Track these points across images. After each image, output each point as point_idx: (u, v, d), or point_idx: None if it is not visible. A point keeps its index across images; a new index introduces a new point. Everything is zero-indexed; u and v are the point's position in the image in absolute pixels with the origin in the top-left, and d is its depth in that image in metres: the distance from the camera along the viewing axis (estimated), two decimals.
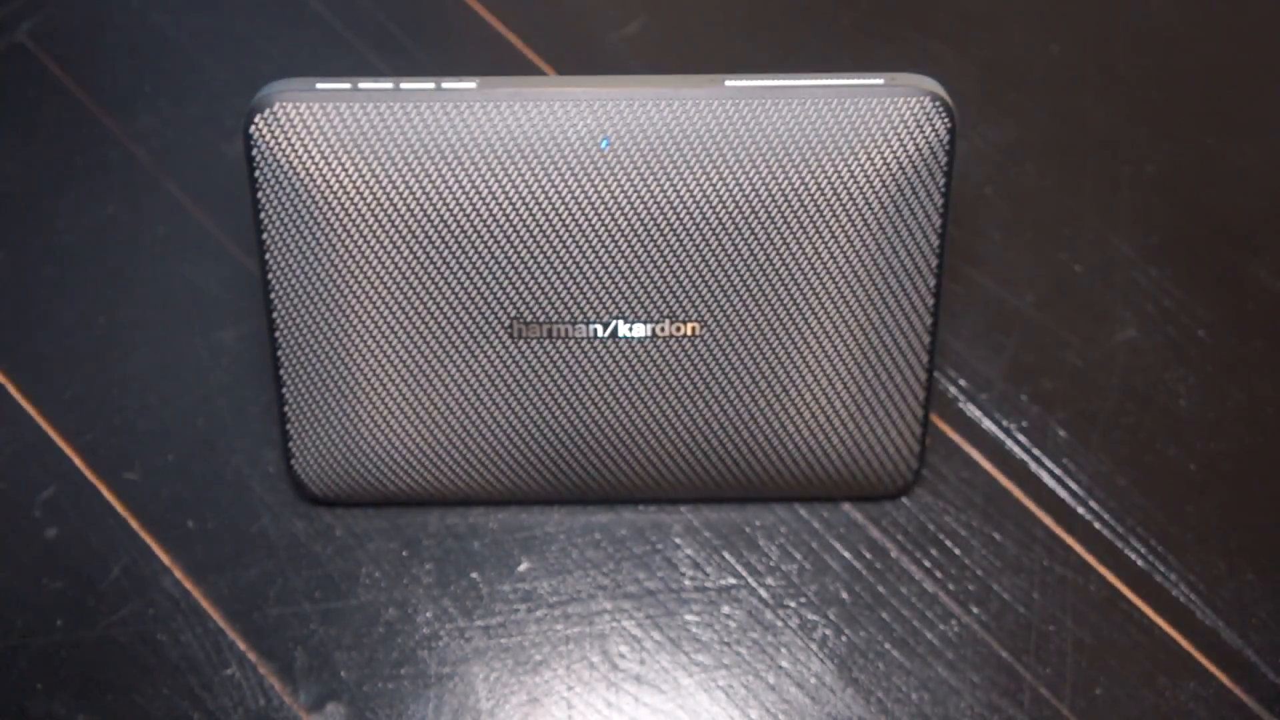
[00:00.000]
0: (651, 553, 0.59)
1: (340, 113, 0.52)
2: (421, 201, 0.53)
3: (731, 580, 0.59)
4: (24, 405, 0.62)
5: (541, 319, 0.55)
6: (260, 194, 0.53)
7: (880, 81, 0.53)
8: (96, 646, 0.57)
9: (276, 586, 0.58)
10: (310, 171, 0.53)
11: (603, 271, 0.54)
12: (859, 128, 0.53)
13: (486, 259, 0.54)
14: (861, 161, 0.53)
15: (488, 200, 0.53)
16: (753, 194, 0.53)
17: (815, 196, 0.53)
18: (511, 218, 0.53)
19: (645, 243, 0.54)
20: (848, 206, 0.53)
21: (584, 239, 0.54)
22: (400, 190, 0.53)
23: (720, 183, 0.53)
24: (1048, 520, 0.60)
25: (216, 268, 0.65)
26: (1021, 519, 0.60)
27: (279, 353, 0.56)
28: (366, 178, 0.53)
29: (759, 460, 0.57)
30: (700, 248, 0.54)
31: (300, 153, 0.53)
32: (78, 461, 0.61)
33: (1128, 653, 0.58)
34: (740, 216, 0.53)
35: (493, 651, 0.57)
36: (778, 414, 0.56)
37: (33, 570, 0.59)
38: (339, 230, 0.54)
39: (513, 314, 0.55)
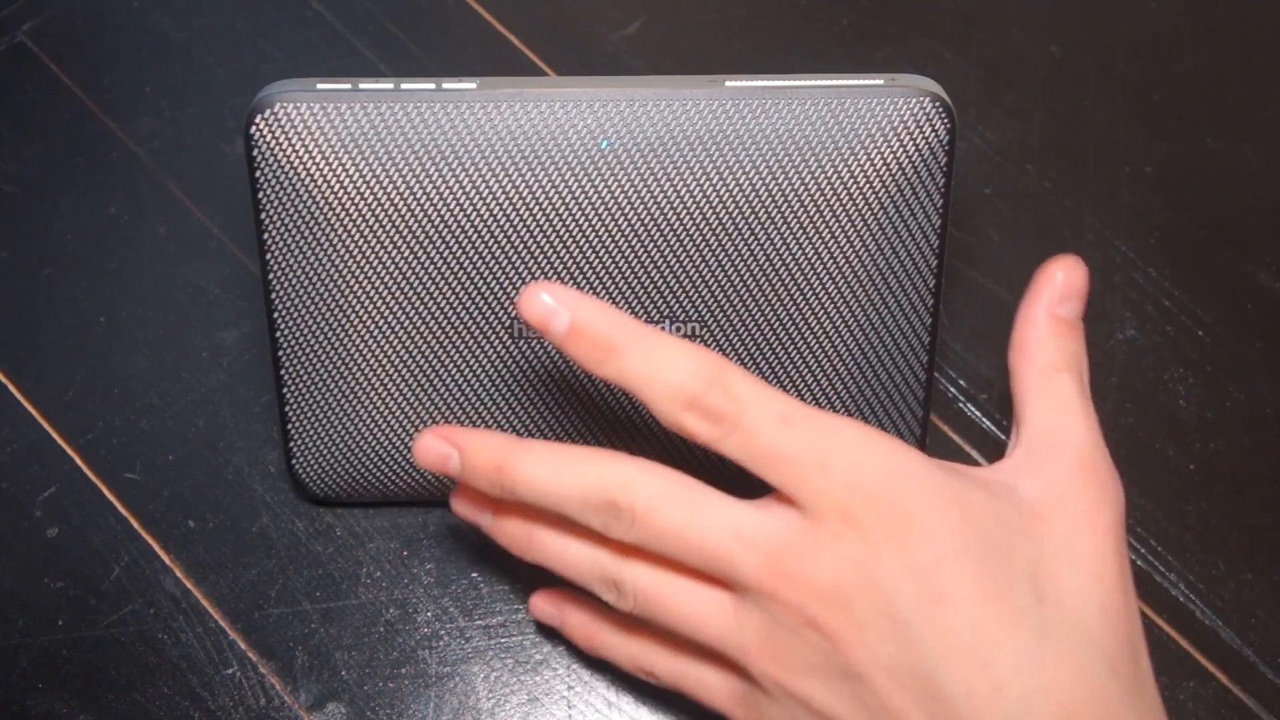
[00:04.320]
0: None
1: (340, 113, 0.52)
2: (421, 201, 0.53)
3: None
4: (25, 405, 0.62)
5: None
6: (261, 194, 0.54)
7: (880, 82, 0.53)
8: (97, 646, 0.57)
9: (277, 586, 0.59)
10: (311, 172, 0.53)
11: (602, 272, 0.54)
12: (859, 128, 0.53)
13: (486, 259, 0.54)
14: (861, 161, 0.53)
15: (488, 200, 0.53)
16: (753, 194, 0.53)
17: (815, 196, 0.53)
18: (511, 218, 0.53)
19: (645, 243, 0.54)
20: (848, 206, 0.53)
21: (584, 239, 0.54)
22: (400, 190, 0.53)
23: (720, 183, 0.53)
24: None
25: (217, 268, 0.65)
26: None
27: (279, 353, 0.56)
28: (367, 178, 0.53)
29: None
30: (700, 248, 0.54)
31: (301, 153, 0.53)
32: (78, 461, 0.61)
33: None
34: (740, 217, 0.53)
35: (493, 651, 0.58)
36: None
37: (34, 570, 0.59)
38: (339, 230, 0.54)
39: (513, 314, 0.55)
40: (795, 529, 0.46)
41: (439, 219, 0.53)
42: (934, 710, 0.45)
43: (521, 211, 0.53)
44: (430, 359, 0.56)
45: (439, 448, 0.50)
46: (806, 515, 0.46)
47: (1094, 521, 0.47)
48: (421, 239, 0.54)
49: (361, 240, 0.54)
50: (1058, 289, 0.51)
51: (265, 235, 0.54)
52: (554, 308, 0.47)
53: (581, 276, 0.54)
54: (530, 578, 0.59)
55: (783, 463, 0.46)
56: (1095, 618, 0.46)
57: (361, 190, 0.53)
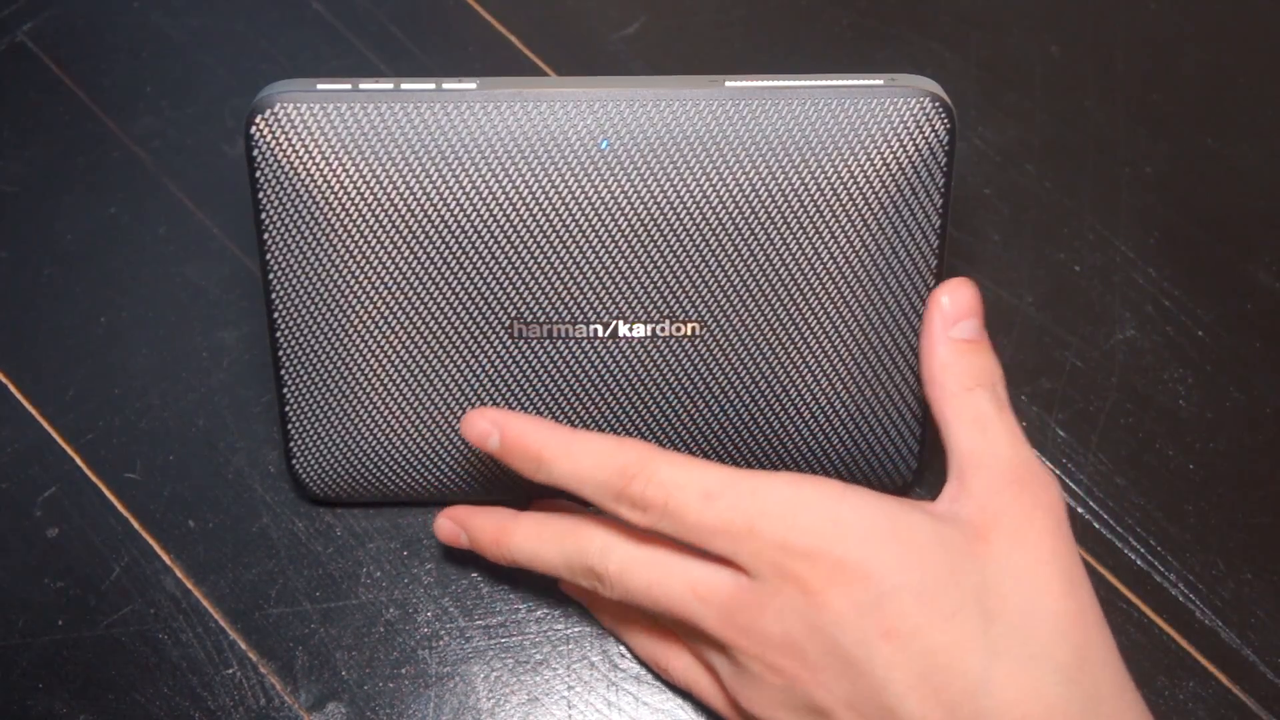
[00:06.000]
0: None
1: (341, 113, 0.52)
2: (421, 201, 0.53)
3: None
4: (25, 405, 0.62)
5: (541, 319, 0.55)
6: (261, 194, 0.54)
7: (880, 82, 0.53)
8: (97, 646, 0.57)
9: (277, 586, 0.59)
10: (311, 172, 0.53)
11: (603, 271, 0.54)
12: (859, 128, 0.53)
13: (486, 259, 0.54)
14: (861, 161, 0.53)
15: (488, 200, 0.53)
16: (752, 194, 0.53)
17: (815, 196, 0.53)
18: (511, 218, 0.53)
19: (645, 243, 0.54)
20: (848, 206, 0.53)
21: (584, 239, 0.54)
22: (400, 190, 0.53)
23: (720, 183, 0.53)
24: None
25: (217, 268, 0.65)
26: None
27: (279, 353, 0.56)
28: (367, 178, 0.53)
29: (759, 460, 0.57)
30: (700, 248, 0.54)
31: (301, 153, 0.53)
32: (79, 461, 0.61)
33: (1126, 652, 0.57)
34: (740, 216, 0.53)
35: (493, 651, 0.58)
36: (778, 414, 0.56)
37: (34, 570, 0.59)
38: (340, 230, 0.54)
39: (513, 314, 0.55)
40: (743, 585, 0.49)
41: (439, 219, 0.53)
42: None
43: (521, 211, 0.53)
44: (430, 359, 0.56)
45: (452, 527, 0.56)
46: (749, 574, 0.49)
47: (1029, 532, 0.48)
48: (421, 239, 0.54)
49: (361, 240, 0.54)
50: (947, 313, 0.52)
51: (265, 235, 0.54)
52: (488, 429, 0.52)
53: (581, 276, 0.54)
54: (531, 577, 0.59)
55: (715, 535, 0.49)
56: (1046, 628, 0.47)
57: (361, 190, 0.53)
